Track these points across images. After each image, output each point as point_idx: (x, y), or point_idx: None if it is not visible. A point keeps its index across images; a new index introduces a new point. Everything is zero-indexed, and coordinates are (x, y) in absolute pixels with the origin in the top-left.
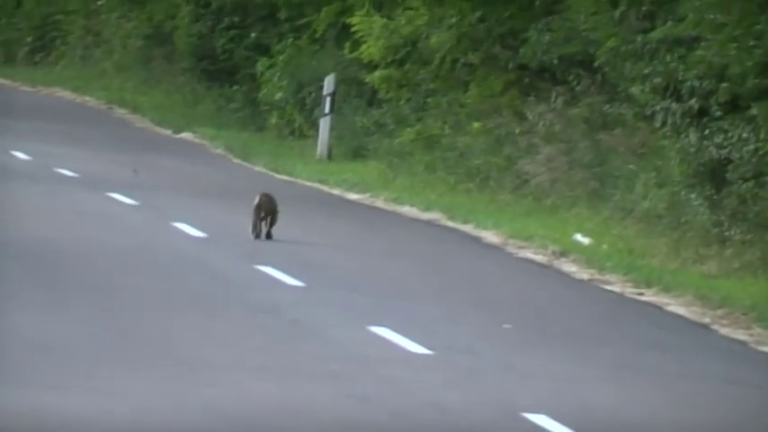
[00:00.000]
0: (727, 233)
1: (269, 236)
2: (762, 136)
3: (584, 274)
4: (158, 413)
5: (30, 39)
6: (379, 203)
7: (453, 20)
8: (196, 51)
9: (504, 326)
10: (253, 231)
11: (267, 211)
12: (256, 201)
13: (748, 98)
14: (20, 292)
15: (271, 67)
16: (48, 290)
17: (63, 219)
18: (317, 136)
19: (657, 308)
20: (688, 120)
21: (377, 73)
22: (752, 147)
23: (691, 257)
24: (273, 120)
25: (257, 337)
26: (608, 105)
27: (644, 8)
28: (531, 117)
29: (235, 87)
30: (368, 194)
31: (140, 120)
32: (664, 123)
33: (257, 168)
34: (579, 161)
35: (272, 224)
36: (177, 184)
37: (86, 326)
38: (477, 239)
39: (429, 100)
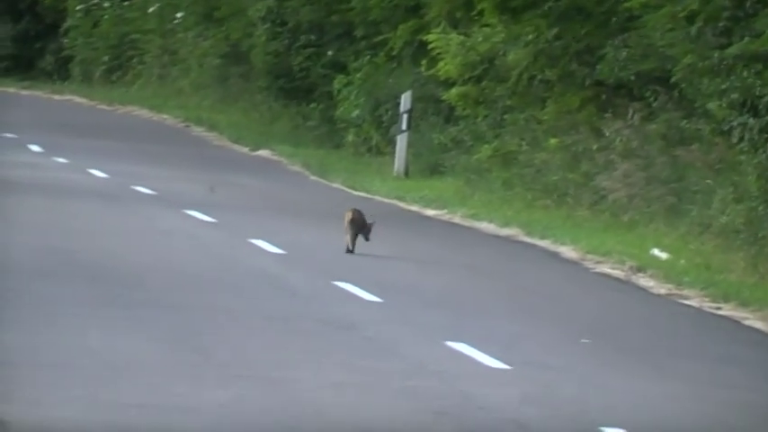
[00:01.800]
0: None
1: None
2: None
3: (661, 289)
4: (234, 430)
5: (106, 58)
6: (457, 220)
7: (530, 37)
8: (273, 69)
9: (582, 341)
10: (350, 246)
11: (358, 227)
12: (349, 216)
13: None
14: (97, 311)
15: (347, 84)
16: (125, 308)
17: (140, 237)
18: (394, 153)
19: (735, 322)
20: (765, 135)
21: (454, 90)
22: None
23: None
24: (350, 137)
25: (335, 354)
26: (685, 121)
27: (720, 24)
28: (608, 133)
29: (312, 105)
30: (445, 211)
31: (217, 138)
32: (741, 139)
33: (335, 185)
34: (656, 177)
35: (366, 238)
36: (255, 202)
37: (164, 343)
38: (554, 255)
39: (506, 117)
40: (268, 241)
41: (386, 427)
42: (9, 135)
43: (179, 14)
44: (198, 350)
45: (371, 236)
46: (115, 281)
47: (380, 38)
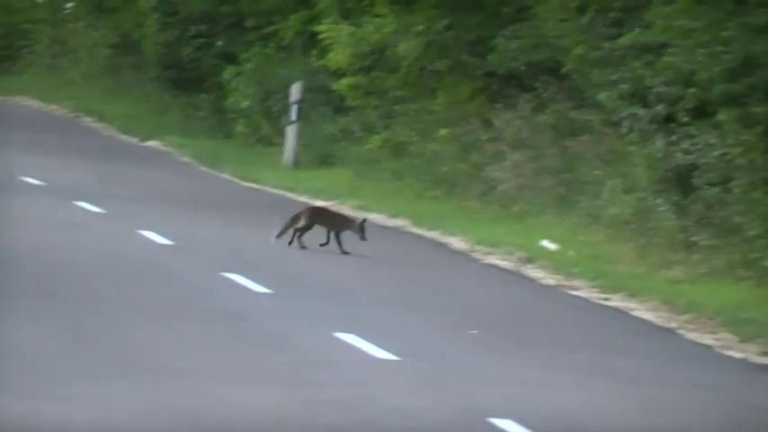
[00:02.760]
0: (693, 238)
1: (344, 252)
2: (728, 141)
3: (550, 280)
4: (129, 421)
5: None
6: (346, 211)
7: (421, 27)
8: (163, 60)
9: (471, 332)
10: (277, 235)
11: (309, 222)
12: (296, 212)
13: (715, 104)
14: None
15: (238, 75)
16: (15, 298)
17: (29, 228)
18: (285, 143)
19: (624, 313)
20: (655, 126)
21: (344, 80)
22: (718, 152)
23: (657, 263)
24: (240, 128)
25: (225, 345)
26: (575, 112)
27: (612, 15)
28: (498, 124)
29: (202, 96)
30: (335, 201)
31: (108, 128)
32: (631, 129)
33: (224, 176)
34: (546, 167)
35: (338, 241)
36: (144, 193)
37: (55, 334)
38: (443, 246)
39: (396, 107)
40: (157, 232)
41: (276, 417)
42: None
43: (69, 4)
44: (89, 341)
45: (366, 235)
46: (2, 272)
47: (271, 28)
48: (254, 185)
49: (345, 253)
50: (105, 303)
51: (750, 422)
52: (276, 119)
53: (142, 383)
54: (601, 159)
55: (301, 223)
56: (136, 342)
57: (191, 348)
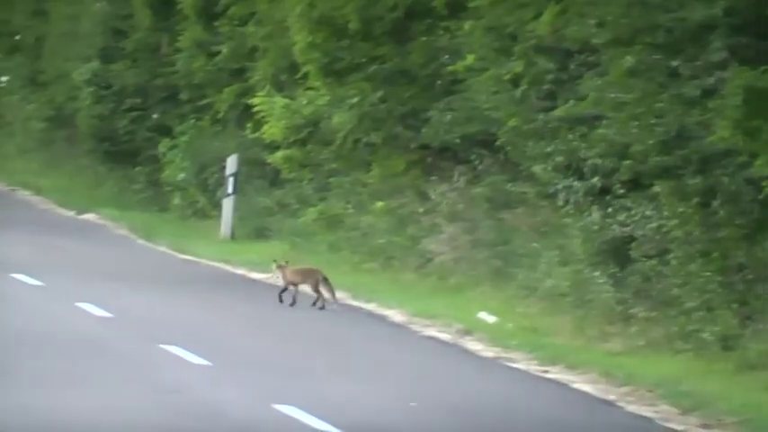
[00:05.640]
0: (631, 311)
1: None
2: (664, 213)
3: (489, 353)
4: None
5: None
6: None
7: (355, 100)
8: (98, 133)
9: (411, 404)
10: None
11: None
12: (321, 276)
13: (650, 176)
14: None
15: (173, 147)
16: None
17: None
18: (221, 216)
19: (563, 385)
20: (591, 198)
21: (279, 153)
22: (654, 224)
23: (595, 335)
24: (176, 200)
25: (163, 417)
26: (510, 184)
27: (545, 87)
28: (433, 196)
29: (137, 168)
30: (271, 274)
31: (44, 201)
32: (566, 201)
33: (161, 249)
34: (482, 240)
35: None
36: (81, 265)
37: None
38: (381, 318)
39: (331, 180)
40: (95, 304)
41: None
42: None
43: (4, 78)
44: (24, 413)
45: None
46: None
47: (205, 101)
48: (190, 258)
49: (322, 308)
50: (41, 376)
51: None
52: (212, 191)
53: None
54: (536, 232)
55: (323, 284)
56: (70, 415)
57: (127, 421)
